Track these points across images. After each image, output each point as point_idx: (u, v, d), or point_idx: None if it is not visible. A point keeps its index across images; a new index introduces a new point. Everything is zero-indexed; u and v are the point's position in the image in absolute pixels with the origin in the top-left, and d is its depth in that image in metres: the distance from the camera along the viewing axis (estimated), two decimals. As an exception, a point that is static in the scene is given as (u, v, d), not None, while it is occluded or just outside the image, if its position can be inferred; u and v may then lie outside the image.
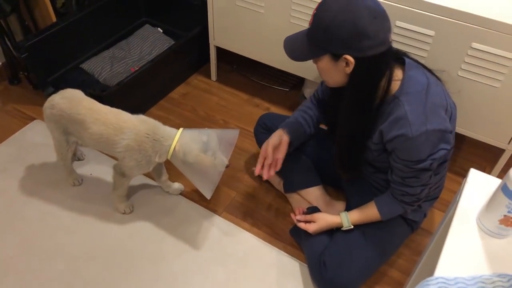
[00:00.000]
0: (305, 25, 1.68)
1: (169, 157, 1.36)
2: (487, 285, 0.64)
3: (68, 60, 2.09)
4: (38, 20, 2.06)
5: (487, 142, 1.60)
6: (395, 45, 1.51)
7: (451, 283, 0.64)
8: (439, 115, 1.08)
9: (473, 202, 0.75)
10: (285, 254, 1.48)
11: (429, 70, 1.20)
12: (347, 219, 1.32)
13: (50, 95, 1.96)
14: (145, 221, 1.56)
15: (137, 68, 1.88)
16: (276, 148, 1.38)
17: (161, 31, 2.30)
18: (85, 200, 1.61)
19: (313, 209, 1.48)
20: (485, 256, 0.69)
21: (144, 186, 1.68)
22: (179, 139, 1.34)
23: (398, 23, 1.47)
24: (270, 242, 1.51)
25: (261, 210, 1.62)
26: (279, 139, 1.39)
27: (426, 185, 1.18)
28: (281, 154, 1.38)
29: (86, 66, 2.09)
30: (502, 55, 1.37)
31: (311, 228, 1.35)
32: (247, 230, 1.55)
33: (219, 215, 1.59)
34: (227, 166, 1.38)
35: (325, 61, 1.09)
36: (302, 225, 1.37)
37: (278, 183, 1.65)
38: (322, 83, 1.46)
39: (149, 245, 1.49)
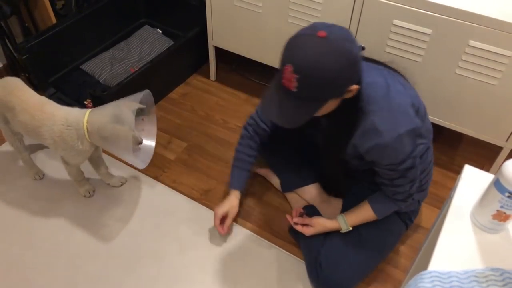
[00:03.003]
0: (303, 25, 1.69)
1: (88, 139, 1.37)
2: (480, 279, 0.65)
3: (68, 61, 2.10)
4: (38, 22, 2.08)
5: (485, 140, 1.61)
6: (393, 44, 1.54)
7: (445, 277, 0.65)
8: (406, 115, 1.08)
9: (467, 198, 0.75)
10: (285, 252, 1.49)
11: (383, 64, 1.19)
12: (345, 222, 1.32)
13: (51, 96, 1.98)
14: (146, 219, 1.57)
15: (136, 69, 1.89)
16: (225, 214, 1.46)
17: (160, 32, 2.31)
18: (86, 199, 1.63)
19: (310, 208, 1.49)
20: (478, 251, 0.69)
21: (145, 185, 1.69)
22: (88, 119, 1.34)
23: (396, 21, 1.48)
24: (270, 240, 1.52)
25: (261, 208, 1.63)
26: (228, 208, 1.46)
27: (414, 181, 1.19)
28: (229, 220, 1.47)
29: (86, 67, 2.10)
30: (499, 52, 1.38)
31: (308, 231, 1.37)
32: (247, 228, 1.56)
33: (219, 214, 1.60)
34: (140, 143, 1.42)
35: (329, 103, 1.02)
36: (299, 228, 1.38)
37: (276, 182, 1.66)
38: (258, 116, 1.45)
39: (151, 243, 1.50)
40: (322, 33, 0.94)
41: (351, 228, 1.32)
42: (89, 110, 1.38)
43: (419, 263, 1.01)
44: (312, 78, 0.94)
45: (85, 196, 1.62)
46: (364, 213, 1.30)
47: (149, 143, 1.58)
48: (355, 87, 1.00)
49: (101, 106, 1.39)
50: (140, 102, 1.41)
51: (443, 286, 0.64)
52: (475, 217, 0.73)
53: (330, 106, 1.03)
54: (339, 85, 0.98)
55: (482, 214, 0.72)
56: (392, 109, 1.07)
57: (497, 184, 0.67)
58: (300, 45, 0.95)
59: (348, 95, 1.02)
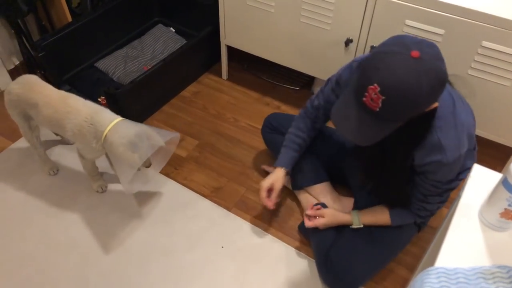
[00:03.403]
0: (315, 24, 1.70)
1: (101, 143, 1.38)
2: (487, 276, 0.65)
3: (83, 59, 2.14)
4: (54, 20, 2.12)
5: (497, 141, 1.60)
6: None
7: (451, 273, 0.66)
8: (469, 134, 1.07)
9: (475, 197, 0.76)
10: (294, 249, 1.50)
11: None
12: (358, 218, 1.33)
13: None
14: (157, 216, 1.59)
15: (149, 67, 1.92)
16: (271, 186, 1.43)
17: (173, 30, 2.34)
18: (100, 195, 1.66)
19: (321, 206, 1.49)
20: (485, 248, 0.70)
21: (156, 182, 1.71)
22: (112, 127, 1.35)
23: (408, 22, 1.48)
24: (279, 238, 1.53)
25: (270, 206, 1.64)
26: (272, 180, 1.42)
27: (444, 202, 1.20)
28: (275, 192, 1.43)
29: (100, 65, 2.14)
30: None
31: (319, 223, 1.37)
32: (256, 225, 1.57)
33: (229, 211, 1.62)
34: (147, 166, 1.44)
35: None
36: (310, 224, 1.37)
37: (286, 181, 1.67)
38: (316, 99, 1.41)
39: (161, 239, 1.53)
40: (415, 53, 0.87)
41: (362, 226, 1.33)
42: (119, 119, 1.38)
43: (426, 261, 1.01)
44: (400, 101, 0.88)
45: (97, 191, 1.65)
46: (380, 216, 1.31)
47: (152, 171, 1.59)
48: (435, 105, 0.96)
49: (130, 124, 1.38)
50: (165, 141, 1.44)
51: (449, 282, 0.65)
52: (483, 216, 0.74)
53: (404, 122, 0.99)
54: (424, 106, 0.93)
55: (490, 212, 0.72)
56: (457, 127, 1.04)
57: (505, 182, 0.68)
58: (390, 65, 0.87)
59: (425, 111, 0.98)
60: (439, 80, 0.89)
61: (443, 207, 1.28)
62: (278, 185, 1.43)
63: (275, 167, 1.45)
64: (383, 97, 0.87)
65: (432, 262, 0.70)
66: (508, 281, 0.65)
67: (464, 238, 0.71)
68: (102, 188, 1.65)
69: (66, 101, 1.42)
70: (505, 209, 0.68)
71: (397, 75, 0.86)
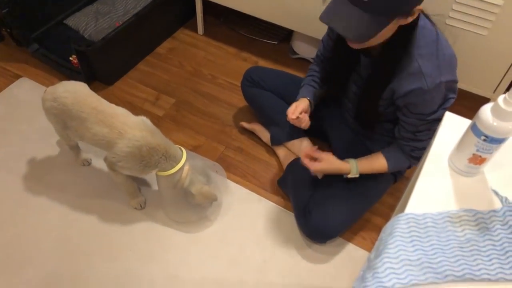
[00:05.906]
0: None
1: (162, 174, 1.31)
2: (454, 219, 0.67)
3: (51, 15, 2.04)
4: (17, -26, 1.99)
5: (472, 92, 1.61)
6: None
7: (420, 218, 0.67)
8: (450, 66, 1.10)
9: (446, 144, 0.77)
10: (273, 203, 1.52)
11: (426, 16, 1.14)
12: (356, 167, 1.29)
13: (35, 52, 1.94)
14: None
15: (122, 23, 1.85)
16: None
17: (146, -16, 2.23)
18: (76, 157, 1.63)
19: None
20: (454, 193, 0.71)
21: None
22: (186, 165, 1.31)
23: (386, -31, 1.44)
24: (258, 193, 1.55)
25: (249, 162, 1.64)
26: (295, 104, 1.34)
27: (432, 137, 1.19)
28: (298, 108, 1.33)
29: (70, 22, 2.05)
30: (490, 1, 1.36)
31: (315, 167, 1.29)
32: (235, 182, 1.58)
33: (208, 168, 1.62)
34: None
35: (392, 25, 1.01)
36: (306, 162, 1.31)
37: (265, 137, 1.67)
38: (319, 49, 1.42)
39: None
40: None
41: (358, 175, 1.30)
42: (185, 152, 1.35)
43: (399, 210, 1.04)
44: None
45: (136, 208, 1.49)
46: (376, 162, 1.29)
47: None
48: (419, 8, 0.99)
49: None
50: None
51: (418, 227, 0.67)
52: (452, 161, 0.75)
53: (390, 30, 1.03)
54: (408, 2, 0.97)
55: (459, 158, 0.73)
56: (439, 56, 1.07)
57: (474, 128, 0.68)
58: None
59: (408, 20, 1.01)
60: None
61: None
62: (302, 105, 1.33)
63: (297, 100, 1.37)
64: None
65: (403, 210, 0.71)
66: (474, 224, 0.67)
67: (434, 184, 0.72)
68: (141, 205, 1.49)
69: (124, 121, 1.29)
70: (473, 154, 0.69)
71: None
